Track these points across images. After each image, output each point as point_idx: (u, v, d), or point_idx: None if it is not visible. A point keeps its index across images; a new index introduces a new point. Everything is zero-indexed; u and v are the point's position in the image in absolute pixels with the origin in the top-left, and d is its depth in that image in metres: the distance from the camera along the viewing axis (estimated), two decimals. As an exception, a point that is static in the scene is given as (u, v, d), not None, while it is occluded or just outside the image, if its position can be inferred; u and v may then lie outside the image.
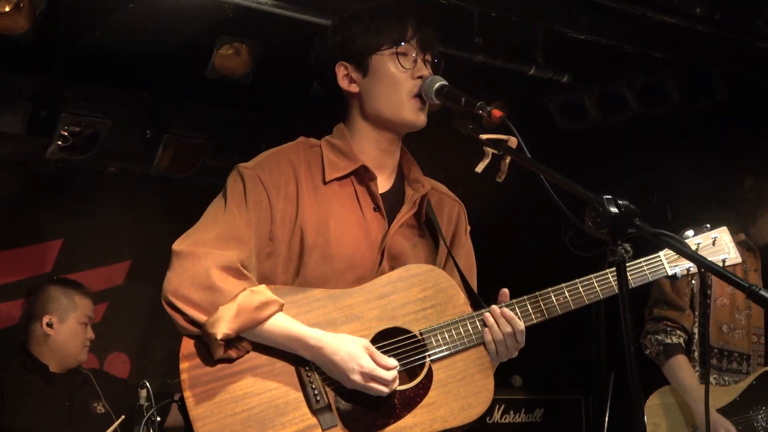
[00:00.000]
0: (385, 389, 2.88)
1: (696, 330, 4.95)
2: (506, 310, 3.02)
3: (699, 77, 6.11)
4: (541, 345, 5.15)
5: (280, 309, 2.92)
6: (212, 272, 2.88)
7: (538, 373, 6.80)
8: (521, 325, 3.02)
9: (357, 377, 2.86)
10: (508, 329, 3.00)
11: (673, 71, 6.14)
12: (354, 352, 2.87)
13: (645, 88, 6.33)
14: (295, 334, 2.90)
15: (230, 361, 2.90)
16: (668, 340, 4.93)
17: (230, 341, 2.88)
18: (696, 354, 4.95)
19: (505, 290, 3.09)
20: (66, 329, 5.39)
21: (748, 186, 5.05)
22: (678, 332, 4.94)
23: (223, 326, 2.83)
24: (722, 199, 5.22)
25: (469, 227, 3.32)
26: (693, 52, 5.54)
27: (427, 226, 3.17)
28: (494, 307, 3.02)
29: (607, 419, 6.50)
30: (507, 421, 6.81)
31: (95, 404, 5.43)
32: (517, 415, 6.89)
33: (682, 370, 4.88)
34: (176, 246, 2.96)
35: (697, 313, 4.96)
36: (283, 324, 2.91)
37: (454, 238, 3.27)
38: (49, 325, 5.35)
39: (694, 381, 4.86)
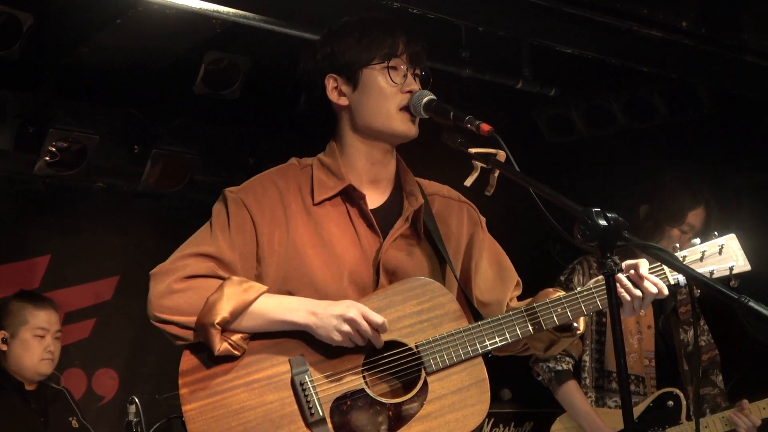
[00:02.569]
0: (367, 327, 2.88)
1: (586, 357, 5.12)
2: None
3: (685, 91, 6.14)
4: (530, 358, 5.19)
5: (266, 291, 2.95)
6: (190, 277, 2.95)
7: (528, 386, 6.78)
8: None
9: (347, 308, 2.88)
10: (654, 290, 3.02)
11: (660, 85, 6.17)
12: (346, 300, 2.93)
13: (632, 102, 6.36)
14: (286, 302, 2.95)
15: (221, 383, 2.91)
16: (559, 367, 5.11)
17: (226, 337, 2.90)
18: (588, 380, 5.11)
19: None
20: (18, 344, 5.35)
21: (643, 214, 5.11)
22: (567, 359, 5.12)
23: (219, 311, 2.87)
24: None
25: (483, 219, 3.34)
26: (679, 66, 5.56)
27: (427, 237, 3.17)
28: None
29: None
30: (496, 434, 6.81)
31: (70, 419, 5.42)
32: (507, 428, 6.88)
33: (575, 395, 5.08)
34: (154, 269, 3.01)
35: (588, 341, 5.11)
36: (272, 297, 2.95)
37: (472, 240, 3.28)
38: (4, 340, 5.33)
39: (586, 405, 5.04)
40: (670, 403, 4.95)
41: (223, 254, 3.00)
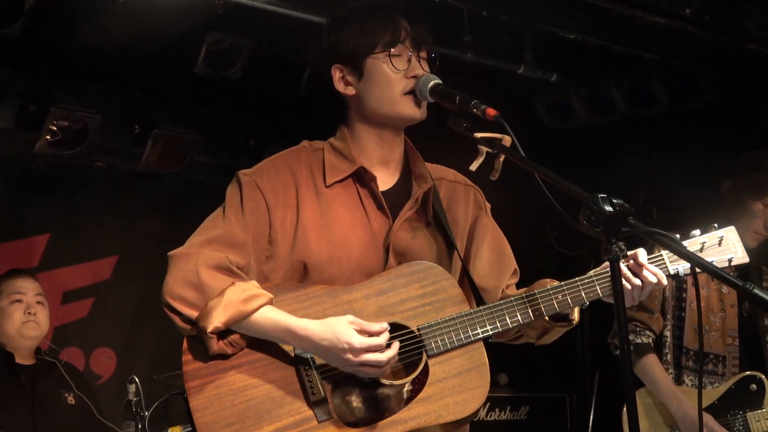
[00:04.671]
0: (381, 357, 2.87)
1: (668, 333, 4.99)
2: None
3: (686, 79, 6.13)
4: (526, 343, 5.17)
5: (269, 302, 2.95)
6: (202, 270, 2.95)
7: (524, 370, 6.82)
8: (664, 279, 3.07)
9: (349, 356, 2.86)
10: (654, 280, 3.04)
11: (661, 73, 6.17)
12: (341, 332, 2.87)
13: (633, 90, 6.35)
14: (284, 324, 2.93)
15: (225, 356, 2.94)
16: (638, 340, 4.96)
17: (223, 336, 2.93)
18: (669, 357, 4.98)
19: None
20: None
21: (725, 189, 5.07)
22: (647, 332, 4.97)
23: (212, 320, 2.89)
24: (706, 200, 5.25)
25: (488, 205, 3.35)
26: (681, 53, 5.56)
27: (435, 220, 3.19)
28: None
29: (591, 417, 6.54)
30: (492, 418, 6.84)
31: (66, 395, 5.39)
32: (503, 412, 6.92)
33: (655, 369, 4.93)
34: (172, 252, 3.02)
35: (669, 317, 4.99)
36: (271, 315, 2.94)
37: (476, 223, 3.29)
38: None
39: (667, 379, 4.91)
40: (753, 386, 4.86)
41: (236, 237, 3.01)
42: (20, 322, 5.35)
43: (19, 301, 5.39)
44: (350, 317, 2.91)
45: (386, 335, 2.90)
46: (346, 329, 2.88)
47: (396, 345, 2.91)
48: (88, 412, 5.42)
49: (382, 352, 2.88)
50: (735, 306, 5.00)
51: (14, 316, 5.36)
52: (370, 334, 2.88)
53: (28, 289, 5.46)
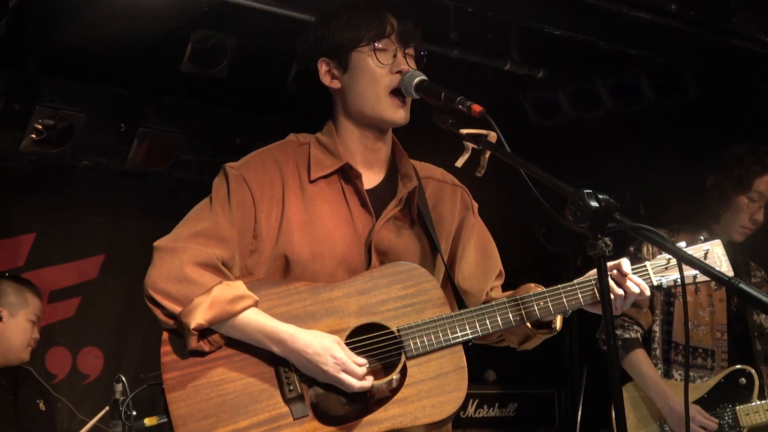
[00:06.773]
0: (355, 382, 2.91)
1: (656, 328, 5.03)
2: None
3: (672, 75, 6.14)
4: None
5: (255, 304, 2.96)
6: (188, 266, 2.95)
7: (512, 367, 6.82)
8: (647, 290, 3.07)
9: (330, 368, 2.89)
10: (637, 290, 3.04)
11: (647, 69, 6.17)
12: (327, 345, 2.91)
13: (619, 86, 6.36)
14: (268, 328, 2.94)
15: (202, 354, 2.95)
16: (626, 335, 4.99)
17: (203, 334, 2.94)
18: (658, 351, 5.02)
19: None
20: (15, 324, 5.30)
21: (710, 184, 5.10)
22: (635, 327, 5.00)
23: (196, 316, 2.89)
24: (692, 196, 5.26)
25: (476, 205, 3.35)
26: (667, 49, 5.57)
27: (419, 220, 3.19)
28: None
29: (580, 413, 6.54)
30: (481, 415, 6.84)
31: (38, 401, 5.40)
32: (491, 409, 6.92)
33: (643, 364, 4.96)
34: (157, 242, 3.02)
35: (658, 312, 5.02)
36: (256, 318, 2.94)
37: (462, 223, 3.29)
38: None
39: (655, 374, 4.95)
40: (743, 380, 4.90)
41: (222, 230, 3.01)
42: (26, 344, 5.34)
43: (34, 323, 5.39)
44: (338, 338, 2.94)
45: (365, 369, 2.94)
46: (332, 344, 2.91)
47: (371, 379, 2.94)
48: (53, 419, 5.45)
49: (358, 379, 2.91)
50: (724, 301, 5.04)
51: (25, 336, 5.33)
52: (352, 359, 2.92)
53: (40, 312, 5.47)
